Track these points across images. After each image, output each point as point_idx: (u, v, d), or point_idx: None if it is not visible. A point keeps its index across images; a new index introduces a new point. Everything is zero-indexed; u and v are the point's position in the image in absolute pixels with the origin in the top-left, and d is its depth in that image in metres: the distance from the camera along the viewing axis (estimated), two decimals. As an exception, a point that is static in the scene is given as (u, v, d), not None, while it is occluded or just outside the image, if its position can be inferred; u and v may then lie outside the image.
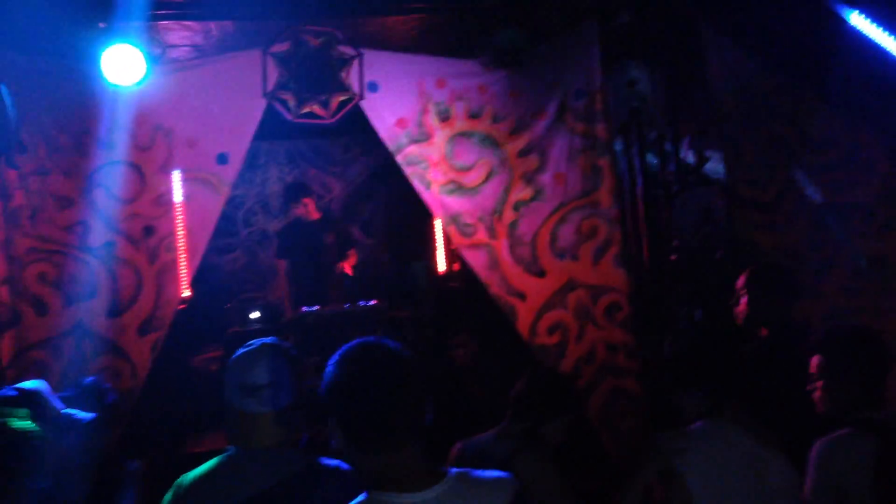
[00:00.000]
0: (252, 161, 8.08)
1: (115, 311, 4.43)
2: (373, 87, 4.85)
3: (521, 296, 4.91)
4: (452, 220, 4.95)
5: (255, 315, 6.05)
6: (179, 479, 2.15)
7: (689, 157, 5.22)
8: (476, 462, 3.04)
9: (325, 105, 4.80)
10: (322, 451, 2.27)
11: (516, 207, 4.97)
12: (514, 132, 5.00)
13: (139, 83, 4.33)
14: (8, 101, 4.19)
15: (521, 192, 4.98)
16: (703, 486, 2.39)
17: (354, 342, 1.84)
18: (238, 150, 4.73)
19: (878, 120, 4.70)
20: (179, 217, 4.76)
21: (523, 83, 5.00)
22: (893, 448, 2.49)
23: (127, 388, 4.35)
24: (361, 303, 6.38)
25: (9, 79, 4.12)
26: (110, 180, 4.47)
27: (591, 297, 4.93)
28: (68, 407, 2.68)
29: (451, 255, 7.77)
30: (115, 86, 4.31)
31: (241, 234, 8.27)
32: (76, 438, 1.96)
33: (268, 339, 2.24)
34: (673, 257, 5.20)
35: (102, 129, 4.45)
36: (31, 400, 2.78)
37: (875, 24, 4.48)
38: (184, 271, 4.80)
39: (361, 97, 4.83)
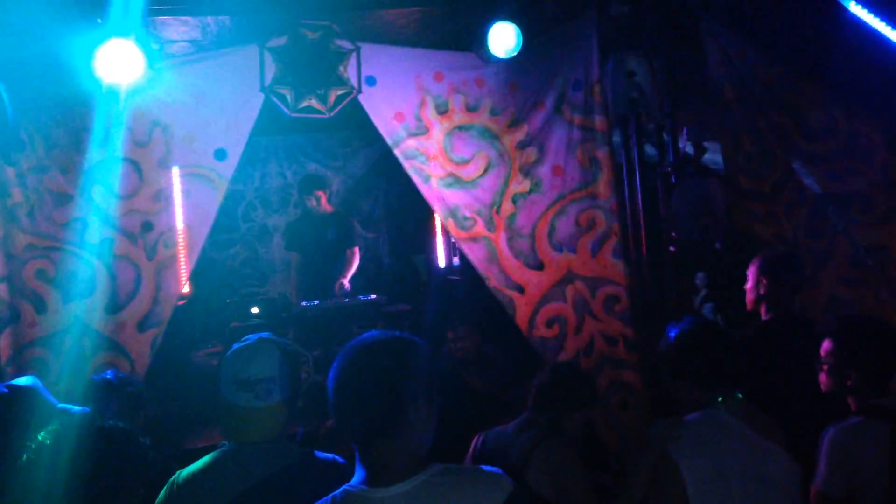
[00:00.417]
0: (251, 156, 8.08)
1: (114, 307, 4.43)
2: (370, 80, 4.84)
3: (520, 288, 4.92)
4: (451, 213, 4.95)
5: (255, 310, 6.05)
6: (175, 476, 2.16)
7: (688, 148, 5.22)
8: (497, 452, 3.08)
9: (322, 99, 4.79)
10: (317, 445, 2.28)
11: (514, 200, 4.97)
12: (513, 125, 4.99)
13: (136, 79, 4.32)
14: (5, 97, 4.20)
15: (520, 185, 4.98)
16: (699, 475, 2.39)
17: (362, 335, 1.85)
18: (236, 145, 4.71)
19: (877, 109, 4.70)
20: (178, 213, 4.75)
21: (521, 75, 4.99)
22: None
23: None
24: (361, 297, 6.39)
25: (6, 76, 4.12)
26: (108, 176, 4.46)
27: (590, 290, 4.93)
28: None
29: (452, 248, 7.76)
30: (113, 82, 4.29)
31: (240, 229, 8.27)
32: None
33: (263, 334, 2.24)
34: (671, 249, 5.19)
35: (100, 126, 4.44)
36: (24, 397, 2.79)
37: (874, 14, 4.47)
38: (183, 267, 4.79)
39: (359, 91, 4.82)
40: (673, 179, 5.19)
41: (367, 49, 4.82)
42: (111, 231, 4.45)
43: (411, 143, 4.90)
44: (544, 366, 3.53)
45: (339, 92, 4.80)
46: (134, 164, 4.53)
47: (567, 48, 5.02)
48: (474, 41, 4.80)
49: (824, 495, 2.56)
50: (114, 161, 4.47)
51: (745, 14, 5.01)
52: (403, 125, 4.89)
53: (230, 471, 2.11)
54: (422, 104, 4.91)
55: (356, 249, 6.73)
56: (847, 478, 2.52)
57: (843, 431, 2.59)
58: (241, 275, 8.21)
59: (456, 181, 4.94)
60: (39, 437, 1.92)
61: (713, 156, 5.19)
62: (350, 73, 4.80)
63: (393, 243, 8.60)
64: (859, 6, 4.40)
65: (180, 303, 5.26)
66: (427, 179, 4.93)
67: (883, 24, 4.50)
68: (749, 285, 3.67)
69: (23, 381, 2.92)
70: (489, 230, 4.94)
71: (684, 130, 5.22)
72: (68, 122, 4.43)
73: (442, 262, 8.01)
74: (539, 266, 4.95)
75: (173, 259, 4.62)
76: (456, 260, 7.53)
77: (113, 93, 4.37)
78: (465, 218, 4.94)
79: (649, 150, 5.14)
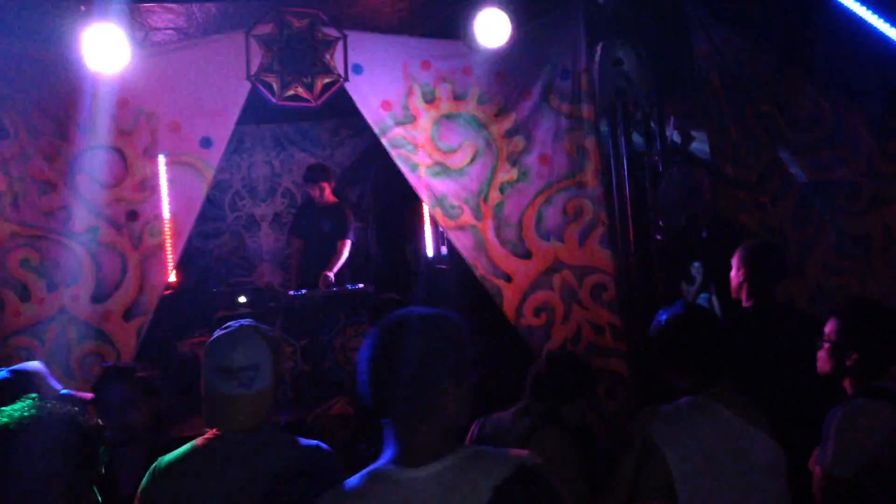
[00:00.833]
0: (238, 145, 8.02)
1: (100, 296, 4.41)
2: (357, 69, 4.82)
3: (507, 277, 4.92)
4: (438, 202, 4.95)
5: (242, 300, 6.03)
6: (156, 463, 2.15)
7: (675, 137, 5.22)
8: (494, 437, 3.08)
9: (309, 87, 4.77)
10: (305, 434, 2.27)
11: (502, 189, 4.97)
12: (500, 113, 4.99)
13: (121, 67, 4.28)
14: (-12, 85, 4.17)
15: (507, 174, 4.98)
16: (685, 462, 2.39)
17: (400, 310, 1.80)
18: (222, 133, 4.70)
19: (863, 99, 4.71)
20: (164, 201, 4.72)
21: (508, 64, 4.98)
22: None
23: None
24: (349, 286, 6.38)
25: (-11, 63, 4.09)
26: (93, 165, 4.43)
27: (577, 278, 4.95)
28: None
29: (440, 237, 7.75)
30: (98, 70, 4.26)
31: (227, 218, 8.23)
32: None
33: (246, 321, 2.23)
34: (658, 238, 5.21)
35: (85, 114, 4.41)
36: (29, 381, 2.78)
37: (860, 3, 4.48)
38: (169, 256, 4.77)
39: (346, 79, 4.80)
40: (660, 168, 5.19)
41: (353, 37, 4.80)
42: (96, 220, 4.43)
43: (398, 131, 4.89)
44: (539, 355, 3.55)
45: (326, 80, 4.78)
46: (119, 153, 4.51)
47: (555, 37, 5.02)
48: (462, 29, 4.78)
49: (832, 477, 2.52)
50: (98, 149, 4.45)
51: (731, 3, 5.01)
52: (390, 113, 4.88)
53: (212, 458, 2.11)
54: (409, 92, 4.90)
55: (346, 242, 6.71)
56: (855, 458, 2.52)
57: (852, 411, 2.58)
58: (228, 264, 8.16)
59: (443, 170, 4.94)
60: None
61: (700, 145, 5.20)
62: (336, 61, 4.78)
63: (381, 232, 8.57)
64: (846, -5, 4.41)
65: (167, 292, 5.23)
66: (414, 168, 4.92)
67: (869, 13, 4.51)
68: (733, 273, 3.70)
69: (29, 365, 2.91)
70: (476, 219, 4.94)
71: (671, 119, 5.22)
72: (52, 109, 4.41)
73: (430, 251, 7.99)
74: (526, 255, 4.96)
75: (159, 248, 4.60)
76: (444, 249, 7.51)
77: (98, 81, 4.34)
78: (453, 207, 4.94)
79: (636, 139, 5.14)
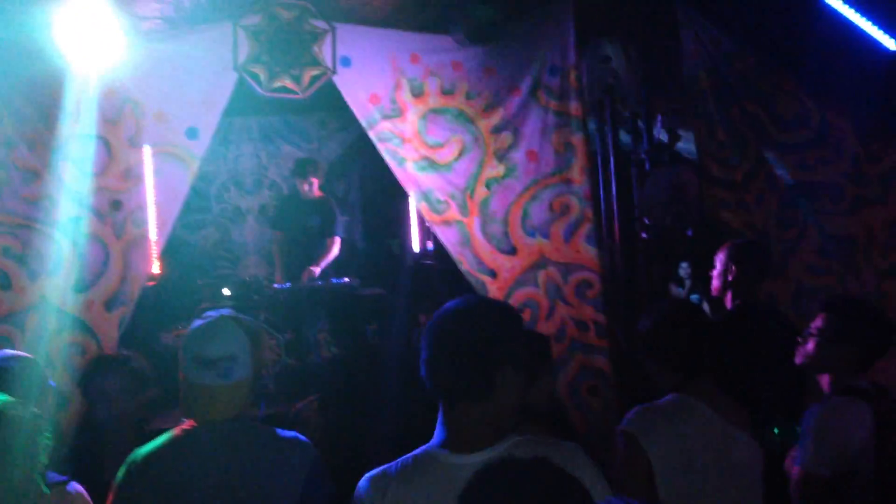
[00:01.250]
0: (224, 136, 7.97)
1: (82, 286, 4.36)
2: (345, 61, 4.80)
3: (492, 273, 4.92)
4: (424, 196, 4.94)
5: (226, 292, 6.00)
6: (132, 455, 2.13)
7: (662, 136, 5.23)
8: None
9: (297, 79, 4.75)
10: (287, 427, 2.26)
11: (488, 185, 4.96)
12: (488, 109, 4.98)
13: (108, 55, 4.25)
14: (-29, 72, 4.12)
15: (494, 170, 4.97)
16: (666, 459, 2.40)
17: (459, 298, 1.86)
18: (208, 124, 4.66)
19: (849, 100, 4.73)
20: (148, 191, 4.69)
21: (497, 60, 4.98)
22: (887, 412, 2.54)
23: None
24: (334, 280, 6.36)
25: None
26: (77, 154, 4.38)
27: (562, 275, 4.94)
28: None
29: (426, 232, 7.74)
30: (84, 58, 4.23)
31: (213, 210, 8.19)
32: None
33: (225, 311, 2.22)
34: (644, 236, 5.22)
35: (70, 102, 4.35)
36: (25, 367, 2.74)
37: (848, 5, 4.50)
38: (153, 247, 4.73)
39: (334, 72, 4.78)
40: (647, 166, 5.20)
41: (342, 30, 4.78)
42: (79, 209, 4.38)
43: (386, 125, 4.87)
44: None
45: (314, 72, 4.76)
46: (104, 142, 4.46)
47: (544, 33, 5.01)
48: (451, 24, 4.77)
49: (810, 475, 2.53)
50: (83, 138, 4.40)
51: (720, 3, 5.02)
52: (378, 107, 4.86)
53: (190, 449, 2.09)
54: (397, 86, 4.89)
55: (336, 239, 6.70)
56: (834, 456, 2.52)
57: (830, 410, 2.60)
58: (213, 256, 8.12)
59: (430, 164, 4.93)
60: None
61: (686, 144, 5.22)
62: (325, 53, 4.76)
63: (367, 227, 8.55)
64: (834, -3, 4.43)
65: (150, 283, 5.20)
66: (401, 162, 4.91)
67: (857, 15, 4.53)
68: (715, 272, 3.70)
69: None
70: (462, 214, 4.94)
71: (659, 118, 5.23)
72: (37, 97, 4.35)
73: (416, 246, 7.99)
74: (512, 251, 4.95)
75: (142, 238, 4.56)
76: (430, 244, 7.52)
77: (84, 69, 4.30)
78: (439, 202, 4.93)
79: (624, 136, 5.15)
